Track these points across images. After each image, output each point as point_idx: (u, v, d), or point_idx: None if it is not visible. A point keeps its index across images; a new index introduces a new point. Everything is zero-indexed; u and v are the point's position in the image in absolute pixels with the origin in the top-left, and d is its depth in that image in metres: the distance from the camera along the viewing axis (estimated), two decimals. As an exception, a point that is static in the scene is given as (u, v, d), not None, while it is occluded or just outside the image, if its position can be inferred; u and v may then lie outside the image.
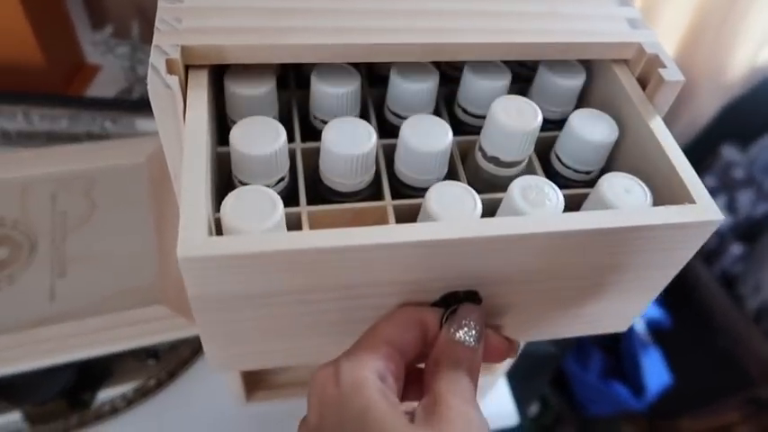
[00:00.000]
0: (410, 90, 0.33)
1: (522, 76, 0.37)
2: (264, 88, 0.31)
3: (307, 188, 0.30)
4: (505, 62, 0.34)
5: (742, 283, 1.33)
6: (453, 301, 0.27)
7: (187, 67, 0.29)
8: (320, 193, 0.31)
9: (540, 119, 0.30)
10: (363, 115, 0.34)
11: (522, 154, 0.31)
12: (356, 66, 0.33)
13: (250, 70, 0.31)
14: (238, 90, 0.31)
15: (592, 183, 0.30)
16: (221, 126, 0.32)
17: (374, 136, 0.29)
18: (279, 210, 0.25)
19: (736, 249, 1.31)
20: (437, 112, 0.35)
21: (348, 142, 0.29)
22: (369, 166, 0.30)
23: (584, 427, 1.32)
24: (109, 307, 0.52)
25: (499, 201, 0.29)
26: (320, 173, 0.30)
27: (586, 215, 0.26)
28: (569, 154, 0.32)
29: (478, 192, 0.29)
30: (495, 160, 0.31)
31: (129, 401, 0.52)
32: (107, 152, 0.63)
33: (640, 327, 1.17)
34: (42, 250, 0.55)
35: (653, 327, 1.21)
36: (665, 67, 0.31)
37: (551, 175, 0.33)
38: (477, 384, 0.25)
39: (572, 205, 0.29)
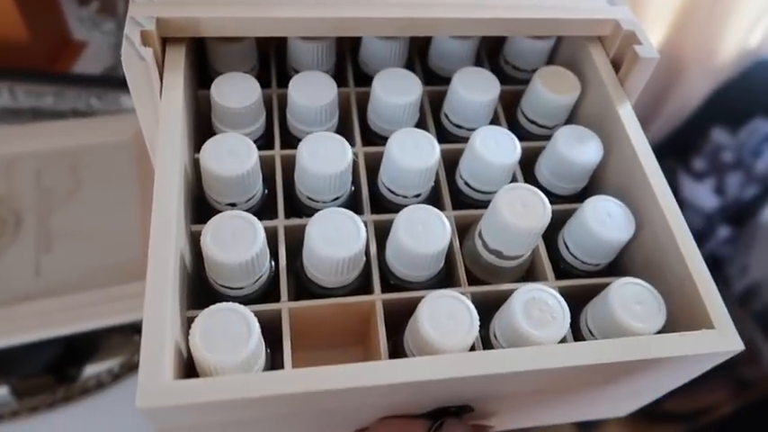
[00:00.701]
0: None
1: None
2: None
3: (288, 266, 0.28)
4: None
5: (729, 265, 1.34)
6: (443, 414, 0.26)
7: (164, 42, 0.29)
8: (302, 283, 0.28)
9: (548, 215, 0.26)
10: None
11: (527, 248, 0.28)
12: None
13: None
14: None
15: (599, 273, 0.30)
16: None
17: (363, 233, 0.26)
18: (255, 333, 0.22)
19: (724, 232, 1.32)
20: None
21: (335, 239, 0.25)
22: (357, 263, 0.27)
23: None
24: (94, 283, 0.53)
25: (498, 294, 0.27)
26: (303, 266, 0.27)
27: (593, 347, 0.23)
28: (580, 245, 0.29)
29: (477, 278, 0.28)
30: (497, 253, 0.28)
31: (116, 376, 0.53)
32: (93, 129, 0.63)
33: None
34: (28, 226, 0.56)
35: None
36: (640, 43, 0.31)
37: (556, 261, 0.30)
38: None
39: (576, 296, 0.28)
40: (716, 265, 1.38)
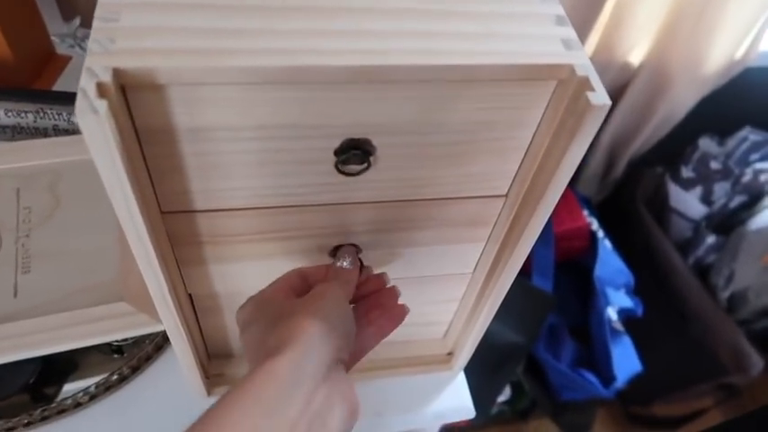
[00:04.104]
0: None
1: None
2: None
3: None
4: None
5: (715, 273, 1.35)
6: (351, 148, 0.35)
7: (124, 90, 0.29)
8: None
9: None
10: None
11: None
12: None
13: None
14: None
15: None
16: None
17: None
18: None
19: (710, 240, 1.33)
20: None
21: None
22: None
23: (558, 411, 1.35)
24: (72, 304, 0.53)
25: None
26: None
27: None
28: None
29: None
30: None
31: (92, 396, 0.54)
32: (73, 147, 0.63)
33: (613, 315, 1.19)
34: (7, 246, 0.56)
35: (625, 315, 1.23)
36: (593, 90, 0.31)
37: None
38: (350, 291, 0.39)
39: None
40: (702, 273, 1.39)
